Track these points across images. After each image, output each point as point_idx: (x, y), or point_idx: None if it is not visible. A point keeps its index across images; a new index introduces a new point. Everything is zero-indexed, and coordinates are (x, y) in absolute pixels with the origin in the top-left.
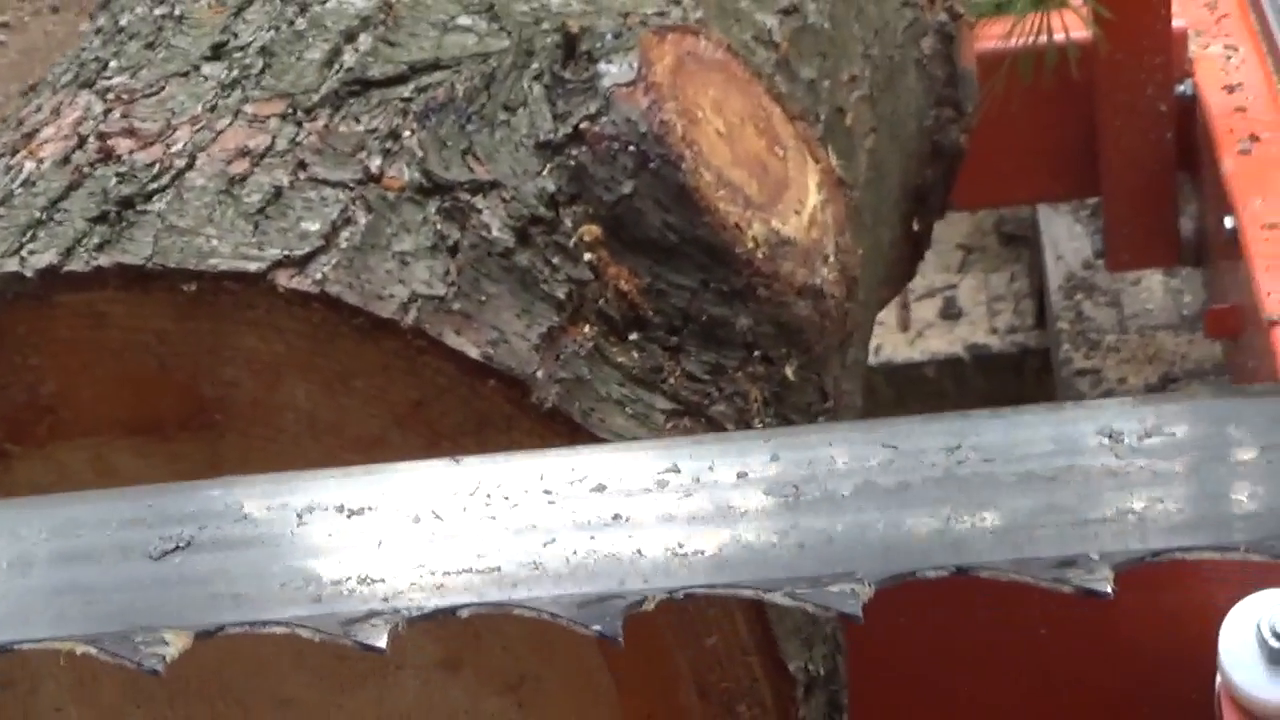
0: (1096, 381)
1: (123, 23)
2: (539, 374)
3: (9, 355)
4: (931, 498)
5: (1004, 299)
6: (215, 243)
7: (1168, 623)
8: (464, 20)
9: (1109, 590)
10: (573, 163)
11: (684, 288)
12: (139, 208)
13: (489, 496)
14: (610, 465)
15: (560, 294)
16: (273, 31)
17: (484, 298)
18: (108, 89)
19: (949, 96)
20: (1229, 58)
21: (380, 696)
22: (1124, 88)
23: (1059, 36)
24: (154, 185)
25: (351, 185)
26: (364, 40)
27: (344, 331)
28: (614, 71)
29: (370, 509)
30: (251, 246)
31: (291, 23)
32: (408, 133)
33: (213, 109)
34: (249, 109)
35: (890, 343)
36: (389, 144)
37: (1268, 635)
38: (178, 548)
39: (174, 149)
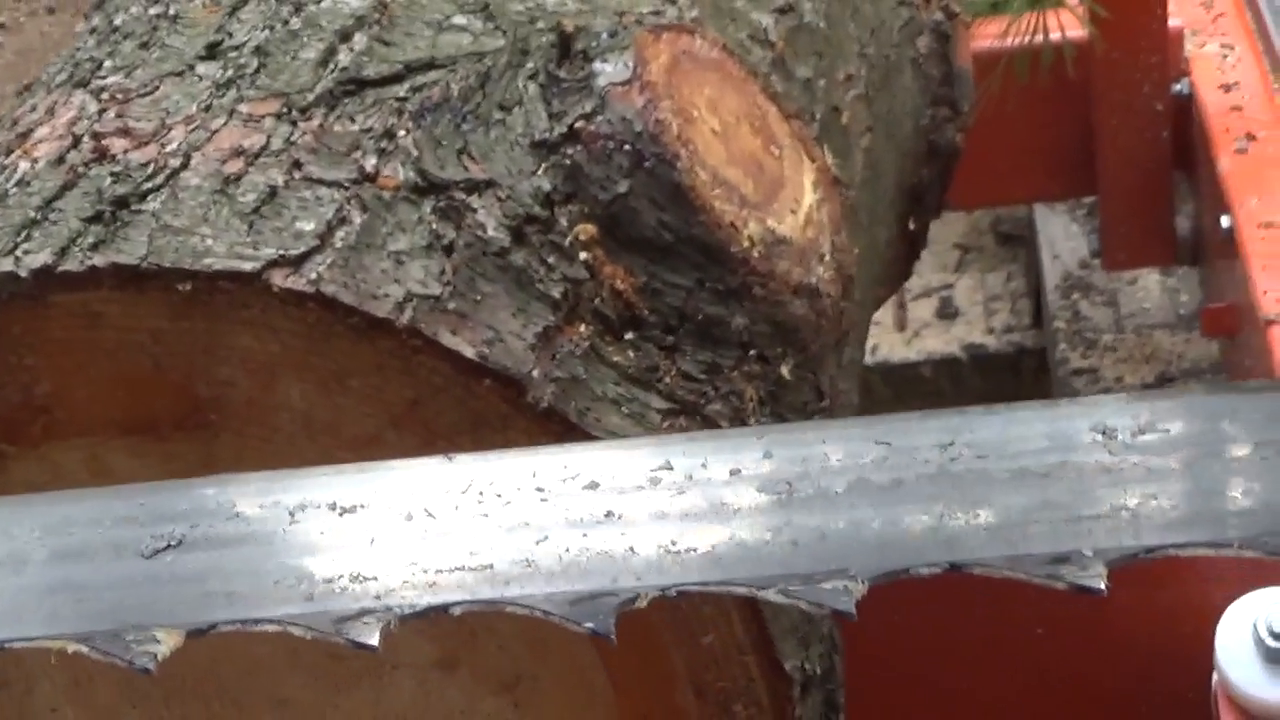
0: (1093, 381)
1: (117, 22)
2: (535, 373)
3: (4, 355)
4: (925, 494)
5: (1001, 298)
6: (210, 242)
7: (1164, 621)
8: (459, 20)
9: (1103, 587)
10: (568, 162)
11: (679, 287)
12: (134, 207)
13: (481, 494)
14: (603, 463)
15: (556, 293)
16: (267, 31)
17: (479, 297)
18: (102, 89)
19: (945, 96)
20: (1225, 56)
21: (376, 697)
22: (1120, 87)
23: (1055, 35)
24: (149, 185)
25: (346, 185)
26: (359, 40)
27: (339, 331)
28: (609, 70)
29: (362, 507)
30: (246, 246)
31: (286, 22)
32: (403, 132)
33: (207, 109)
34: (244, 108)
35: (887, 342)
36: (384, 143)
37: (1264, 634)
38: (170, 546)
39: (169, 148)
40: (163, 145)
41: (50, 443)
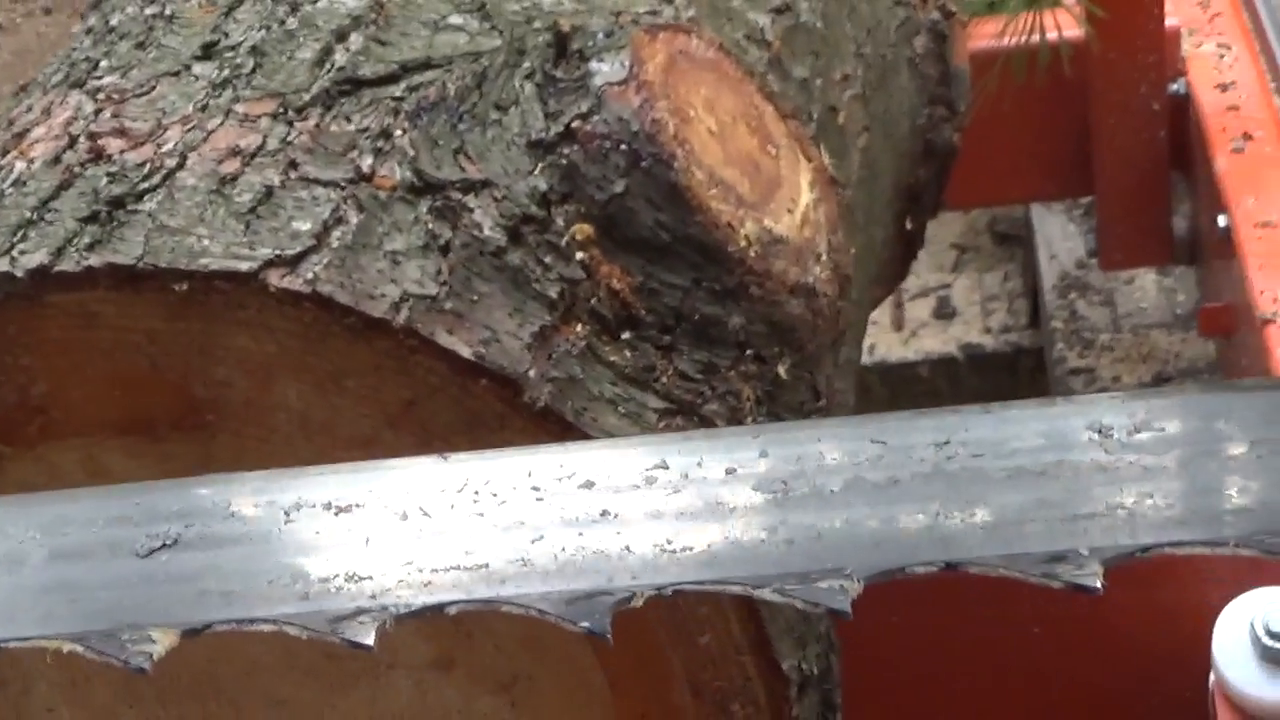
0: (1090, 380)
1: (113, 22)
2: (531, 373)
3: (0, 356)
4: (921, 493)
5: (998, 298)
6: (206, 242)
7: (1161, 621)
8: (455, 19)
9: (1098, 585)
10: (564, 162)
11: (676, 286)
12: (130, 207)
13: (477, 493)
14: (598, 462)
15: (552, 293)
16: (264, 31)
17: (476, 297)
18: (98, 89)
19: (942, 95)
20: (1222, 56)
21: (373, 697)
22: (1117, 86)
23: (1052, 35)
24: (145, 185)
25: (343, 184)
26: (355, 39)
27: (336, 331)
28: (606, 70)
29: (358, 506)
30: (243, 246)
31: (282, 22)
32: (399, 132)
33: (204, 108)
34: (240, 108)
35: (884, 342)
36: (380, 143)
37: (1261, 633)
38: (165, 545)
39: (165, 149)
40: (159, 145)
41: (47, 443)
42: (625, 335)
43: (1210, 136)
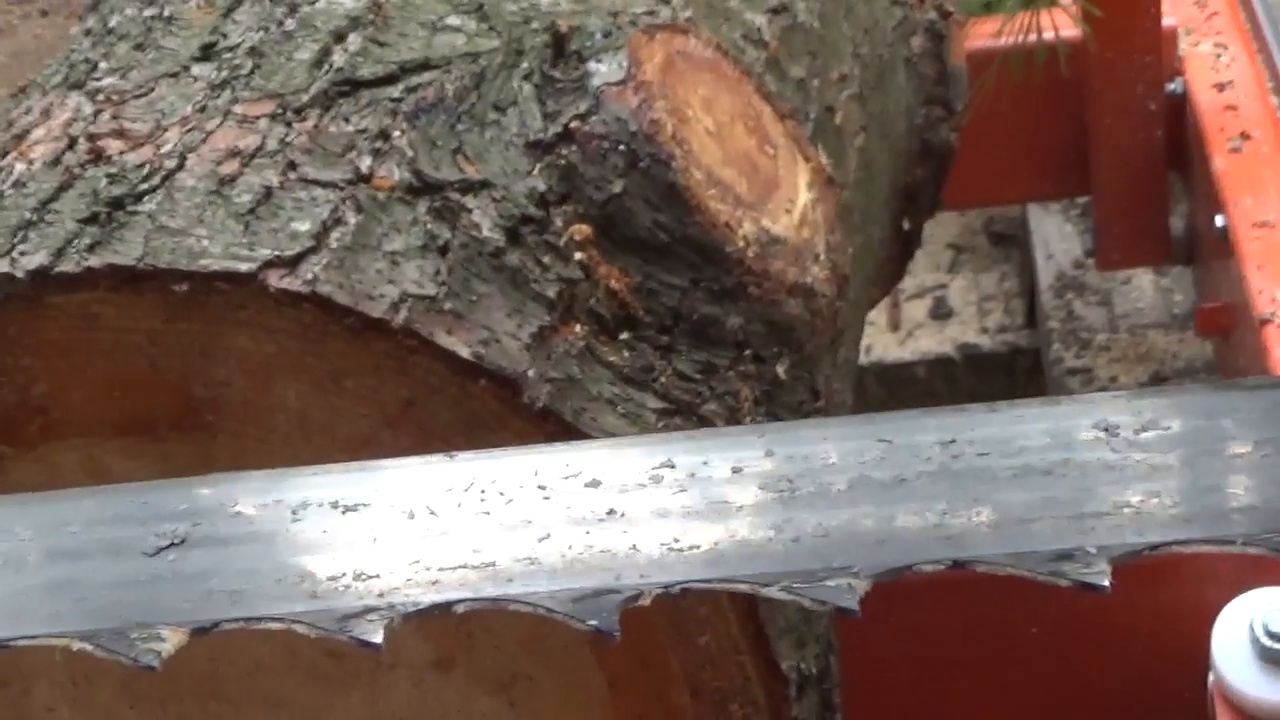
0: (1088, 380)
1: (112, 24)
2: (530, 373)
3: (0, 357)
4: (927, 492)
5: (994, 298)
6: (206, 243)
7: (1160, 621)
8: (453, 20)
9: (1106, 584)
10: (563, 162)
11: (675, 287)
12: (129, 208)
13: (483, 492)
14: (604, 461)
15: (551, 293)
16: (262, 32)
17: (475, 297)
18: (97, 90)
19: (939, 95)
20: (1219, 56)
21: (373, 697)
22: (1114, 86)
23: (1049, 35)
24: (144, 186)
25: (342, 185)
26: (353, 40)
27: (335, 331)
28: (603, 70)
29: (364, 505)
30: (242, 247)
31: (281, 23)
32: (398, 132)
33: (202, 110)
34: (239, 109)
35: (881, 342)
36: (379, 144)
37: (1260, 634)
38: (172, 544)
39: (164, 150)
40: (158, 146)
41: (47, 444)
42: (624, 335)
43: (1208, 136)
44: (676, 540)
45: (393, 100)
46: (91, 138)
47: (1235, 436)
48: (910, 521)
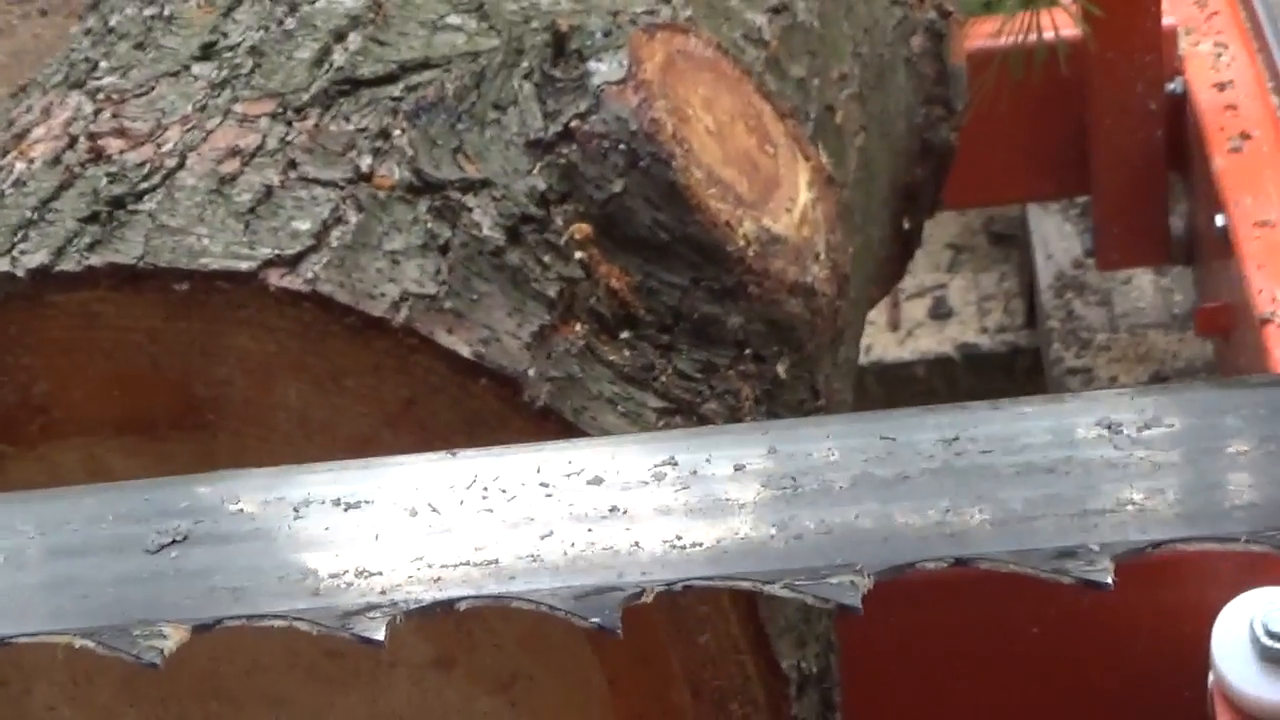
0: (1087, 380)
1: (112, 23)
2: (531, 372)
3: (1, 356)
4: (930, 489)
5: (994, 298)
6: (206, 242)
7: (1161, 621)
8: (453, 19)
9: (1109, 581)
10: (563, 161)
11: (675, 286)
12: (130, 207)
13: (486, 489)
14: (607, 458)
15: (551, 292)
16: (262, 31)
17: (475, 296)
18: (98, 89)
19: (939, 94)
20: (1219, 55)
21: (373, 696)
22: (1114, 86)
23: (1049, 34)
24: (145, 185)
25: (342, 184)
26: (354, 39)
27: (335, 331)
28: (604, 70)
29: (367, 502)
30: (242, 246)
31: (281, 22)
32: (398, 132)
33: (203, 109)
34: (239, 108)
35: (880, 342)
36: (379, 143)
37: (1260, 633)
38: (174, 541)
39: (164, 149)
40: (158, 145)
41: (48, 443)
42: (624, 334)
43: (1208, 136)
44: (679, 538)
45: (393, 99)
46: (92, 137)
47: (1238, 434)
48: (913, 519)
